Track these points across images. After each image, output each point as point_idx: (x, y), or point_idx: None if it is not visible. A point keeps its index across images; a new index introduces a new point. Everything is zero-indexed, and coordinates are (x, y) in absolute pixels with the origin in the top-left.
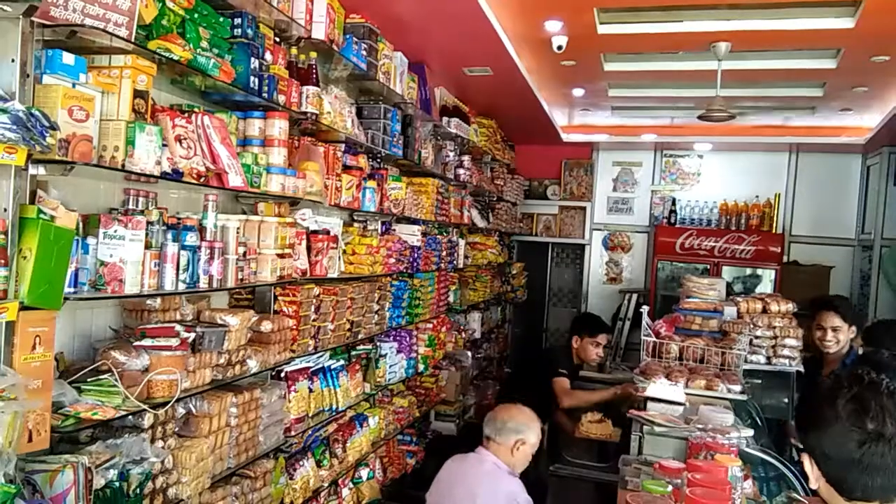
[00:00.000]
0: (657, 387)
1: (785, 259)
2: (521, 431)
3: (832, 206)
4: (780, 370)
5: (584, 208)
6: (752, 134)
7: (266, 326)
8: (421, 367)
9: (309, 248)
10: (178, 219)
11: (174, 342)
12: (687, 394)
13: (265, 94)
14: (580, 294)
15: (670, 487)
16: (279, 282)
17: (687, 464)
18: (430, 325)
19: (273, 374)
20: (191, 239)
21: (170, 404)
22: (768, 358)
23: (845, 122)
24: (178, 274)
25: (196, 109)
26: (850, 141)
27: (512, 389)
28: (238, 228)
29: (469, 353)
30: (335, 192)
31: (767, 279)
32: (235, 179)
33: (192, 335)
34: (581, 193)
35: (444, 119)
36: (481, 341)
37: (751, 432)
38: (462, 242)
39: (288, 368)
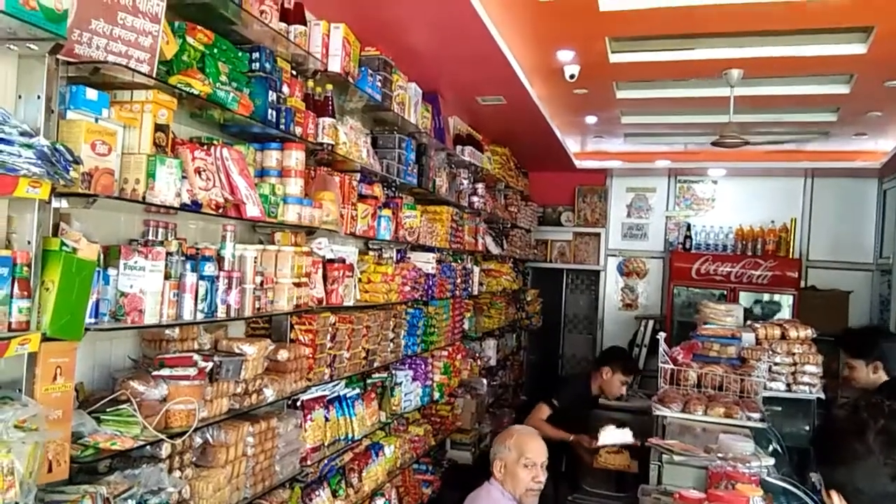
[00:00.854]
0: (607, 434)
1: (802, 284)
2: (496, 453)
3: (849, 231)
4: (800, 397)
5: (598, 234)
6: (767, 159)
7: (283, 355)
8: (436, 394)
9: (325, 277)
10: (197, 249)
11: (192, 371)
12: (706, 422)
13: (282, 126)
14: (595, 320)
15: None
16: (295, 311)
17: (707, 494)
18: (446, 353)
19: (289, 402)
20: (209, 269)
21: (187, 434)
22: (788, 385)
23: (860, 146)
24: (196, 304)
25: (215, 142)
26: (866, 165)
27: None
28: (255, 258)
29: (484, 381)
30: (351, 221)
31: (785, 305)
32: (253, 210)
33: (210, 364)
34: (595, 219)
35: (458, 147)
36: (497, 368)
37: (772, 461)
38: (477, 269)
39: (304, 397)
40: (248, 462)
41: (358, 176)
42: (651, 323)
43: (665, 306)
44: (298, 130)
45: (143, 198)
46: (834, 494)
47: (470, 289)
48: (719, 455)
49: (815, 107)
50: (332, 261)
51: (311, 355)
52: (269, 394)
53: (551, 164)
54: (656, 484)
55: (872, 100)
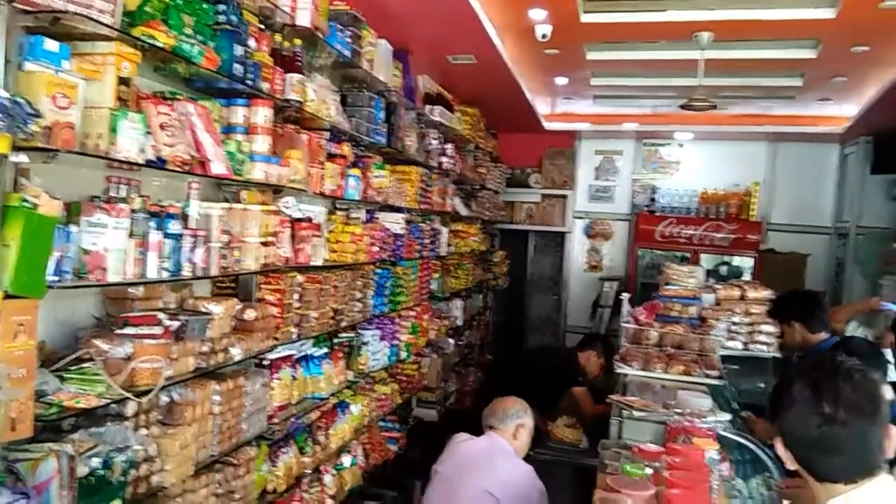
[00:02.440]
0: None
1: (763, 247)
2: (520, 417)
3: (809, 195)
4: (757, 356)
5: (565, 196)
6: (732, 123)
7: (249, 314)
8: (403, 354)
9: (292, 237)
10: (161, 207)
11: (157, 330)
12: (666, 379)
13: (249, 82)
14: (561, 282)
15: (649, 470)
16: (262, 270)
17: (665, 447)
18: (413, 313)
19: (256, 361)
20: (174, 227)
21: (153, 392)
22: (745, 344)
23: (824, 111)
24: (161, 262)
25: (180, 97)
26: (829, 130)
27: (498, 377)
28: (221, 216)
29: (451, 341)
30: (319, 180)
31: (746, 267)
32: (219, 167)
33: (176, 323)
34: (563, 182)
35: (428, 107)
36: (463, 328)
37: (728, 416)
38: (445, 230)
39: (271, 356)
40: (215, 420)
41: (326, 134)
42: (615, 284)
43: (629, 268)
44: (266, 86)
45: (106, 153)
46: (777, 441)
47: (438, 249)
48: (677, 411)
49: (782, 71)
50: (299, 220)
51: (278, 315)
52: (236, 353)
53: (521, 126)
54: (617, 438)
55: (838, 65)
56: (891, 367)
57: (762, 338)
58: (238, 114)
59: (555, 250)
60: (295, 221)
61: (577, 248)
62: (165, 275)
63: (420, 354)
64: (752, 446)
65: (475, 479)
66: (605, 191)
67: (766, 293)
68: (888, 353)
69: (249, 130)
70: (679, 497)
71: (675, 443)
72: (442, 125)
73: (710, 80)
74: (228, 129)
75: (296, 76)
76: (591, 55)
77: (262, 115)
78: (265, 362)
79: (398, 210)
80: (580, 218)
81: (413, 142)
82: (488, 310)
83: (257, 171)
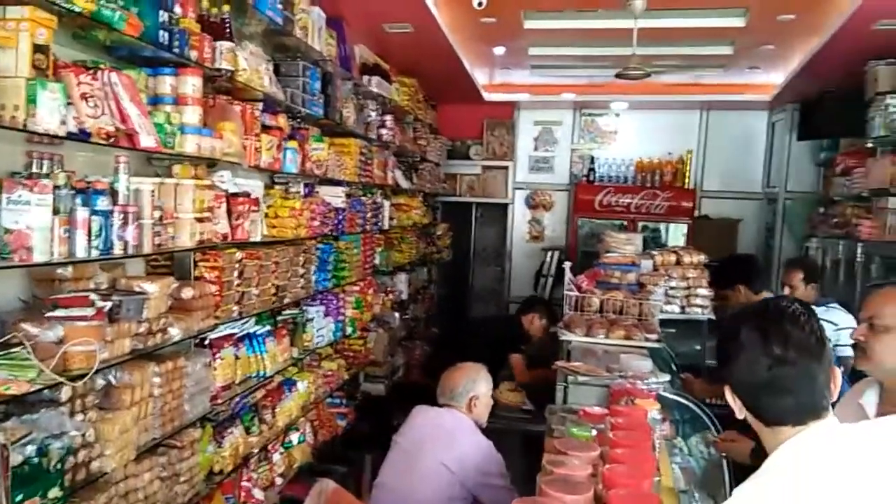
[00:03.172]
0: None
1: (696, 213)
2: (470, 389)
3: (740, 162)
4: (693, 318)
5: (506, 168)
6: (666, 92)
7: (187, 293)
8: (349, 329)
9: (229, 212)
10: (88, 182)
11: (89, 312)
12: (608, 344)
13: (176, 50)
14: (504, 253)
15: (594, 432)
16: (199, 247)
17: (609, 409)
18: (357, 288)
19: (197, 341)
20: (102, 203)
21: (88, 376)
22: (682, 307)
23: (753, 80)
24: (90, 241)
25: (102, 66)
26: (757, 98)
27: (445, 349)
28: (152, 192)
29: (396, 315)
30: (254, 153)
31: (680, 233)
32: (147, 140)
33: (109, 304)
34: (503, 153)
35: (365, 78)
36: (408, 302)
37: (667, 377)
38: (387, 204)
39: (212, 335)
40: (156, 402)
41: (260, 105)
42: (557, 254)
43: (570, 237)
44: (194, 55)
45: (24, 125)
46: (726, 390)
47: (381, 223)
48: (620, 374)
49: (713, 40)
50: (236, 195)
51: (217, 293)
52: (175, 333)
53: (460, 97)
54: (563, 403)
55: (766, 33)
56: (830, 325)
57: (698, 301)
58: (165, 83)
59: (497, 222)
60: (231, 196)
61: (519, 219)
62: (95, 254)
63: (366, 329)
64: (690, 405)
65: (434, 452)
66: (545, 161)
67: (700, 258)
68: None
69: (178, 101)
70: (623, 456)
71: (618, 405)
72: (380, 96)
73: (644, 50)
74: (156, 100)
75: (226, 44)
76: (529, 24)
77: (191, 84)
78: (206, 342)
79: (339, 183)
80: (521, 189)
81: (351, 113)
82: (433, 283)
83: (189, 144)
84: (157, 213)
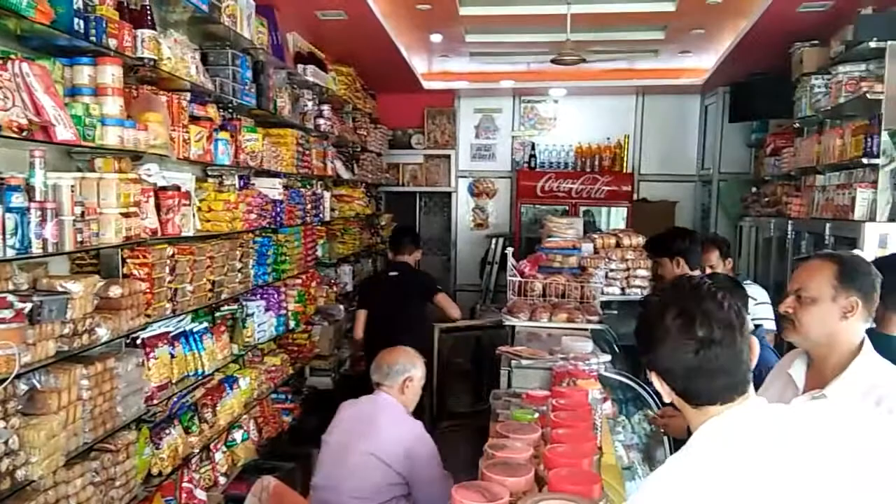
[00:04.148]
0: None
1: (635, 197)
2: (407, 370)
3: (675, 145)
4: (633, 299)
5: (448, 156)
6: (602, 78)
7: (115, 291)
8: (292, 323)
9: (158, 206)
10: (1, 179)
11: (8, 314)
12: (551, 327)
13: (93, 38)
14: (449, 241)
15: (537, 415)
16: (126, 243)
17: (551, 391)
18: (299, 281)
19: (128, 341)
20: (17, 200)
21: (8, 381)
22: (622, 288)
23: (685, 64)
24: (5, 239)
25: (12, 56)
26: (690, 82)
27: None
28: (73, 187)
29: (341, 307)
30: (183, 145)
31: (620, 217)
32: (65, 132)
33: (29, 305)
34: (445, 141)
35: (300, 67)
36: (354, 294)
37: (608, 358)
38: (327, 195)
39: (144, 335)
40: (85, 406)
41: (188, 95)
42: (501, 240)
43: (514, 224)
44: (113, 43)
45: None
46: (653, 376)
47: (321, 215)
48: (562, 356)
49: (645, 24)
50: (164, 188)
51: (148, 290)
52: (103, 333)
53: (399, 86)
54: (507, 388)
55: (696, 17)
56: (750, 300)
57: (637, 282)
58: (83, 73)
59: (442, 210)
60: (160, 190)
61: (463, 207)
62: (12, 253)
63: (310, 323)
64: (632, 384)
65: (360, 444)
66: (487, 149)
67: (639, 240)
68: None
69: (98, 92)
70: (564, 436)
71: (560, 386)
72: (316, 85)
73: (579, 35)
74: (74, 91)
75: (147, 32)
76: (464, 10)
77: (111, 74)
78: (139, 341)
79: (275, 175)
80: (464, 177)
81: (286, 103)
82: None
83: (110, 136)
84: (78, 209)
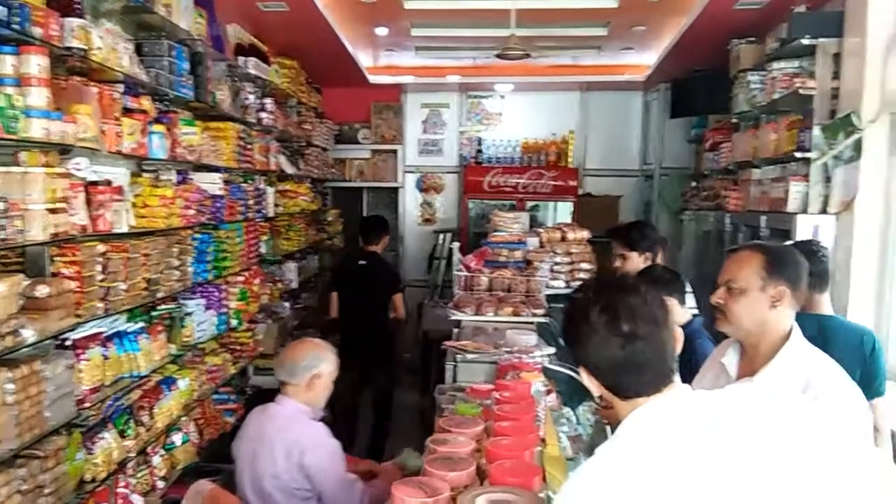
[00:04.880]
0: None
1: (580, 191)
2: (313, 366)
3: (619, 141)
4: None
5: (395, 151)
6: (547, 74)
7: (42, 291)
8: (234, 322)
9: (89, 202)
10: None
11: None
12: (497, 321)
13: (16, 26)
14: (397, 237)
15: (481, 408)
16: (54, 240)
17: (495, 384)
18: (242, 278)
19: (57, 343)
20: None
21: None
22: (567, 282)
23: (628, 60)
24: None
25: None
26: (632, 79)
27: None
28: None
29: (287, 304)
30: (115, 138)
31: (567, 211)
32: None
33: None
34: (392, 136)
35: (241, 59)
36: (300, 291)
37: (552, 350)
38: (271, 190)
39: (74, 336)
40: (10, 411)
41: (121, 87)
42: (448, 236)
43: (461, 219)
44: (38, 32)
45: None
46: (582, 371)
47: (265, 210)
48: (506, 349)
49: (589, 20)
50: (95, 183)
51: (78, 289)
52: (29, 334)
53: (344, 80)
54: (452, 382)
55: (637, 14)
56: (688, 293)
57: (581, 275)
58: (6, 63)
59: (389, 206)
60: (90, 185)
61: (411, 203)
62: None
63: (253, 321)
64: (576, 376)
65: (263, 461)
66: (434, 144)
67: (584, 234)
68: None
69: (22, 82)
70: (507, 428)
71: (504, 379)
72: (258, 78)
73: (524, 31)
74: None
75: (76, 21)
76: (409, 4)
77: (36, 63)
78: (68, 343)
79: (215, 170)
80: (411, 172)
81: (226, 96)
82: (325, 270)
83: (35, 129)
84: (0, 206)
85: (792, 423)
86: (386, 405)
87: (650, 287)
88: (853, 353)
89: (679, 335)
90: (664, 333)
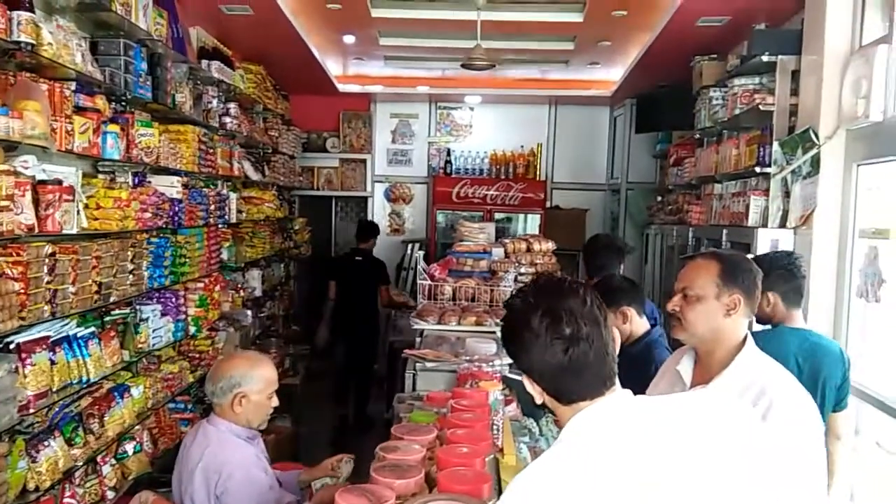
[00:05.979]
0: None
1: (548, 204)
2: (236, 385)
3: (586, 155)
4: None
5: (364, 161)
6: (515, 87)
7: None
8: (192, 329)
9: (37, 201)
10: None
11: None
12: (460, 331)
13: None
14: None
15: (437, 416)
16: None
17: (453, 392)
18: (202, 285)
19: (2, 346)
20: None
21: None
22: None
23: (594, 75)
24: None
25: None
26: (599, 93)
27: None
28: None
29: (249, 313)
30: (66, 137)
31: (535, 224)
32: None
33: None
34: (361, 146)
35: (204, 62)
36: (264, 299)
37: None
38: (234, 196)
39: (20, 339)
40: None
41: (73, 85)
42: (416, 246)
43: (429, 230)
44: None
45: None
46: (524, 378)
47: (227, 216)
48: (466, 358)
49: (555, 34)
50: (44, 182)
51: (23, 290)
52: None
53: (313, 87)
54: (412, 391)
55: (602, 29)
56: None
57: None
58: None
59: (357, 215)
60: (38, 184)
61: (380, 212)
62: None
63: (214, 329)
64: None
65: (183, 488)
66: (403, 154)
67: (549, 245)
68: None
69: None
70: (459, 436)
71: (463, 388)
72: (222, 82)
73: (490, 43)
74: None
75: (24, 14)
76: (376, 12)
77: None
78: (12, 346)
79: (175, 173)
80: (380, 182)
81: (187, 98)
82: (292, 279)
83: None
84: None
85: (739, 430)
86: (368, 372)
87: (607, 294)
88: (836, 365)
89: (618, 336)
90: (605, 335)
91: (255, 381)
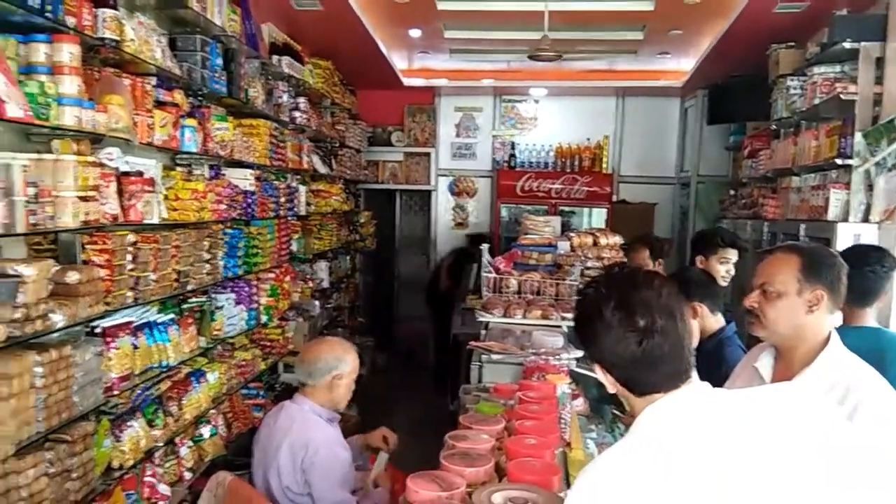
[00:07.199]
0: None
1: (615, 198)
2: (333, 367)
3: (655, 147)
4: None
5: (428, 154)
6: (582, 78)
7: (72, 277)
8: (264, 318)
9: (120, 192)
10: None
11: None
12: (525, 324)
13: (49, 15)
14: (429, 240)
15: (504, 407)
16: (85, 228)
17: (520, 384)
18: (273, 275)
19: (88, 329)
20: None
21: None
22: None
23: (664, 66)
24: None
25: None
26: (669, 84)
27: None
28: (25, 167)
29: (317, 303)
30: (147, 130)
31: (601, 218)
32: (15, 110)
33: None
34: (425, 139)
35: (275, 58)
36: (331, 291)
37: (580, 353)
38: (303, 189)
39: (105, 324)
40: (38, 394)
41: (154, 80)
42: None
43: (493, 223)
44: (71, 21)
45: None
46: (597, 368)
47: (297, 209)
48: (532, 351)
49: (624, 24)
50: (127, 174)
51: (108, 277)
52: (59, 319)
53: (379, 82)
54: (478, 382)
55: (674, 17)
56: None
57: None
58: (39, 51)
59: (422, 209)
60: (122, 175)
61: (444, 206)
62: None
63: (284, 318)
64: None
65: (266, 465)
66: (467, 148)
67: (615, 239)
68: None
69: (54, 70)
70: (529, 427)
71: (530, 381)
72: (292, 77)
73: (557, 34)
74: (29, 69)
75: (109, 11)
76: (442, 5)
77: (68, 52)
78: (98, 330)
79: (248, 166)
80: (444, 175)
81: (259, 93)
82: (357, 271)
83: (67, 117)
84: (31, 191)
85: (822, 426)
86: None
87: (680, 288)
88: None
89: (696, 329)
90: (681, 327)
91: (349, 364)
